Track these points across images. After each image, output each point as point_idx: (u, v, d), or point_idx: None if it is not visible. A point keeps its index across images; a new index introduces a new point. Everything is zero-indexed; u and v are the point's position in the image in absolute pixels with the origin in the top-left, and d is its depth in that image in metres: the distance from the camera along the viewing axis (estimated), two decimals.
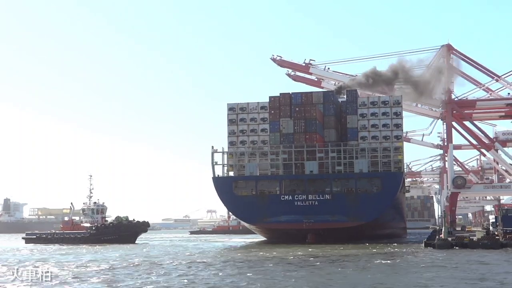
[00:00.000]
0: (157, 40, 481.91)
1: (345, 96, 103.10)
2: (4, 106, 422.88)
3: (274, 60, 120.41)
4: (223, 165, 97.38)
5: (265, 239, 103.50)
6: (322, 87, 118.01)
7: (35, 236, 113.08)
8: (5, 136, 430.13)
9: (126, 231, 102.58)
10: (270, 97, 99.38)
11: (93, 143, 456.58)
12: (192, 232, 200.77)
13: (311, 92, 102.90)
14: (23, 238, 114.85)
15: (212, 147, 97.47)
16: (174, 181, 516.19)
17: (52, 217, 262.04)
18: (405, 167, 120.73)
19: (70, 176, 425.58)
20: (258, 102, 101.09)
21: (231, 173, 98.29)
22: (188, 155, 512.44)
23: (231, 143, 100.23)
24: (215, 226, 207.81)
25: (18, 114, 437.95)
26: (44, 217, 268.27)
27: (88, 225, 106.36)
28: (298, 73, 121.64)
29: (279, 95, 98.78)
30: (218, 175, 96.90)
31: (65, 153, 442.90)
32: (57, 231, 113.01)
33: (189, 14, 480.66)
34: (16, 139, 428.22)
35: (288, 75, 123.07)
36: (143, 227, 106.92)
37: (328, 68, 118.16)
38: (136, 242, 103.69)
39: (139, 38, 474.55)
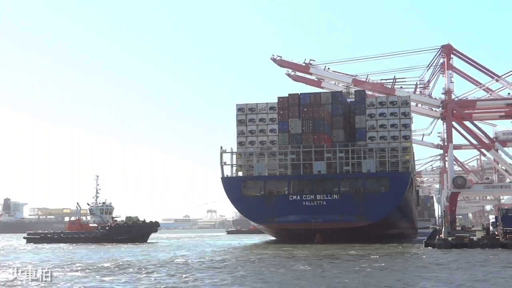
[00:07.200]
0: (161, 42, 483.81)
1: (353, 96, 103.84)
2: (5, 107, 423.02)
3: (274, 60, 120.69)
4: (232, 165, 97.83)
5: (274, 238, 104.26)
6: (322, 87, 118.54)
7: (39, 236, 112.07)
8: (5, 137, 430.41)
9: (139, 231, 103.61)
10: (278, 98, 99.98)
11: (93, 144, 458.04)
12: (229, 232, 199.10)
13: (320, 92, 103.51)
14: (24, 237, 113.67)
15: (221, 147, 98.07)
16: (173, 181, 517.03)
17: (52, 217, 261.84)
18: (415, 166, 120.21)
19: (70, 176, 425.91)
20: (267, 103, 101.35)
21: (240, 173, 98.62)
22: (188, 155, 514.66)
23: (240, 143, 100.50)
24: (251, 226, 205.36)
25: (18, 115, 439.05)
26: (44, 217, 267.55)
27: (95, 225, 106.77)
28: (298, 73, 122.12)
29: (287, 95, 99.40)
30: (227, 175, 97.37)
31: (65, 154, 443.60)
32: (64, 231, 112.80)
33: (192, 16, 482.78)
34: (16, 139, 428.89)
35: (288, 75, 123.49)
36: (154, 227, 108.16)
37: (328, 68, 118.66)
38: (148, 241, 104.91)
39: (144, 40, 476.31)
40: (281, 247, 76.37)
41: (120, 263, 54.34)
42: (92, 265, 52.42)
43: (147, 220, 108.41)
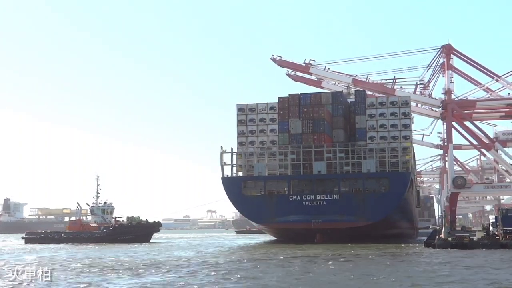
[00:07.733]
0: (161, 42, 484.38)
1: (353, 97, 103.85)
2: (5, 107, 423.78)
3: (274, 60, 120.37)
4: (232, 166, 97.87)
5: (275, 238, 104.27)
6: (322, 87, 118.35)
7: (38, 236, 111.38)
8: (5, 137, 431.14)
9: (142, 231, 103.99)
10: (279, 98, 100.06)
11: (93, 144, 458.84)
12: (238, 232, 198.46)
13: (320, 92, 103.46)
14: (22, 237, 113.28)
15: (221, 147, 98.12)
16: (173, 181, 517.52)
17: (52, 217, 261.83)
18: (416, 167, 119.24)
19: (70, 176, 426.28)
20: (267, 103, 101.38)
21: (240, 173, 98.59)
22: (188, 155, 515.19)
23: (240, 144, 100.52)
24: None
25: (18, 115, 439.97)
26: (44, 217, 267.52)
27: (96, 225, 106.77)
28: (298, 73, 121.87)
29: (288, 95, 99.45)
30: (227, 175, 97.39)
31: (65, 154, 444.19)
32: (65, 231, 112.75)
33: (192, 16, 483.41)
34: (16, 139, 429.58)
35: (288, 75, 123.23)
36: (157, 227, 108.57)
37: (328, 68, 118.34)
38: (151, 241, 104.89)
39: (144, 40, 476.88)
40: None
41: (143, 263, 54.02)
42: (107, 265, 52.08)
43: (150, 220, 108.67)
